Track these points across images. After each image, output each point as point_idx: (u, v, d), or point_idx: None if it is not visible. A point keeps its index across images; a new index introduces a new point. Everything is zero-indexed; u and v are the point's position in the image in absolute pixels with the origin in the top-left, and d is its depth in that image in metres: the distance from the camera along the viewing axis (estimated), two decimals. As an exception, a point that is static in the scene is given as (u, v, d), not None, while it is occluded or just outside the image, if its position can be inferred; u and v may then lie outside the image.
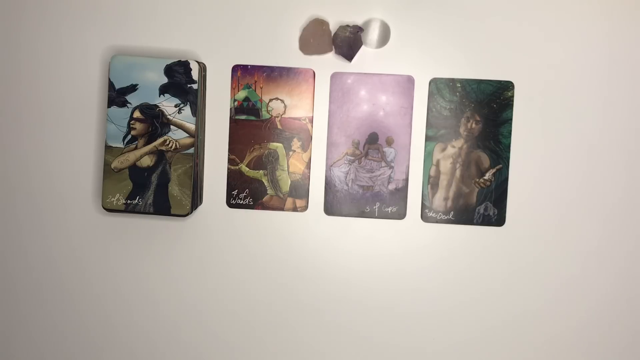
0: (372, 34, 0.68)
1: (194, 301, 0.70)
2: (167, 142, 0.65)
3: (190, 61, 0.65)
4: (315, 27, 0.67)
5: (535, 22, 0.67)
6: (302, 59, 0.68)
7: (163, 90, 0.65)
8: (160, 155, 0.65)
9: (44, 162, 0.70)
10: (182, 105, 0.65)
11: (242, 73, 0.68)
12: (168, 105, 0.65)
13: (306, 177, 0.69)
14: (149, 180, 0.65)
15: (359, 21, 0.68)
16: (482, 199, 0.68)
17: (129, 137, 0.65)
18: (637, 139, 0.68)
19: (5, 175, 0.70)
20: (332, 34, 0.67)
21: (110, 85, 0.65)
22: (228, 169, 0.69)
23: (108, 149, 0.65)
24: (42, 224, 0.70)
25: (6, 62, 0.69)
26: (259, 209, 0.69)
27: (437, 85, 0.68)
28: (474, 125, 0.68)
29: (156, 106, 0.65)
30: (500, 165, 0.68)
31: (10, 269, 0.70)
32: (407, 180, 0.68)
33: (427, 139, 0.68)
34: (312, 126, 0.69)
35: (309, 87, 0.68)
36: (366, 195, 0.68)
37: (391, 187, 0.68)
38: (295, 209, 0.69)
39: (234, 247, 0.69)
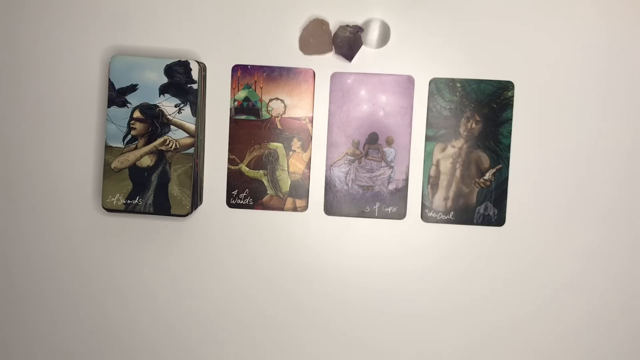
0: (372, 34, 0.68)
1: (194, 301, 0.70)
2: (167, 142, 0.65)
3: (190, 61, 0.65)
4: (315, 27, 0.67)
5: (535, 22, 0.67)
6: (302, 59, 0.68)
7: (163, 90, 0.65)
8: (160, 155, 0.65)
9: (44, 161, 0.70)
10: (182, 105, 0.65)
11: (242, 73, 0.68)
12: (168, 105, 0.65)
13: (306, 177, 0.69)
14: (149, 180, 0.65)
15: (359, 21, 0.68)
16: (482, 199, 0.68)
17: (129, 137, 0.65)
18: (637, 138, 0.68)
19: (6, 175, 0.70)
20: (332, 34, 0.67)
21: (110, 85, 0.65)
22: (228, 169, 0.69)
23: (108, 149, 0.65)
24: (42, 223, 0.70)
25: (6, 62, 0.69)
26: (259, 209, 0.69)
27: (437, 85, 0.68)
28: (474, 125, 0.68)
29: (156, 106, 0.65)
30: (500, 165, 0.68)
31: (10, 268, 0.70)
32: (407, 180, 0.68)
33: (427, 139, 0.68)
34: (312, 126, 0.69)
35: (309, 87, 0.68)
36: (366, 195, 0.68)
37: (391, 187, 0.68)
38: (295, 209, 0.69)
39: (234, 247, 0.69)
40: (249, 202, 0.69)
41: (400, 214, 0.68)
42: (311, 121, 0.68)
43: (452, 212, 0.68)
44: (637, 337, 0.69)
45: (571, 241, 0.68)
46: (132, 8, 0.69)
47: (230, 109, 0.68)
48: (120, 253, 0.70)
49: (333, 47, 0.67)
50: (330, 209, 0.69)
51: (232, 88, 0.68)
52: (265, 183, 0.69)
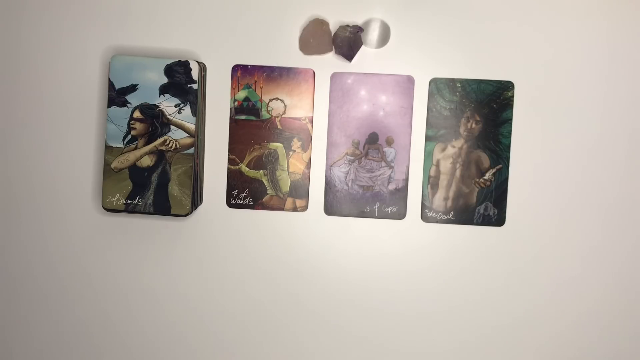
0: (372, 34, 0.68)
1: (194, 301, 0.70)
2: (167, 142, 0.65)
3: (190, 61, 0.65)
4: (315, 27, 0.67)
5: (535, 23, 0.67)
6: (302, 59, 0.68)
7: (163, 90, 0.65)
8: (160, 155, 0.65)
9: (44, 162, 0.70)
10: (182, 105, 0.65)
11: (242, 73, 0.68)
12: (168, 105, 0.65)
13: (306, 177, 0.69)
14: (149, 180, 0.65)
15: (359, 21, 0.68)
16: (482, 199, 0.68)
17: (129, 137, 0.65)
18: (637, 138, 0.68)
19: (5, 175, 0.70)
20: (332, 34, 0.67)
21: (110, 85, 0.65)
22: (228, 169, 0.69)
23: (108, 149, 0.65)
24: (42, 223, 0.70)
25: (6, 62, 0.69)
26: (259, 209, 0.69)
27: (437, 85, 0.68)
28: (474, 125, 0.68)
29: (156, 106, 0.65)
30: (500, 165, 0.68)
31: (10, 268, 0.70)
32: (407, 180, 0.68)
33: (427, 139, 0.68)
34: (312, 126, 0.69)
35: (309, 87, 0.68)
36: (366, 195, 0.68)
37: (391, 187, 0.68)
38: (295, 209, 0.69)
39: (234, 247, 0.69)
40: (249, 202, 0.69)
41: (400, 214, 0.68)
42: (311, 121, 0.68)
43: (452, 212, 0.68)
44: (637, 337, 0.69)
45: (571, 241, 0.68)
46: (132, 8, 0.69)
47: (230, 109, 0.68)
48: (120, 253, 0.70)
49: (333, 47, 0.67)
50: (330, 209, 0.69)
51: (232, 88, 0.68)
52: (265, 183, 0.69)
